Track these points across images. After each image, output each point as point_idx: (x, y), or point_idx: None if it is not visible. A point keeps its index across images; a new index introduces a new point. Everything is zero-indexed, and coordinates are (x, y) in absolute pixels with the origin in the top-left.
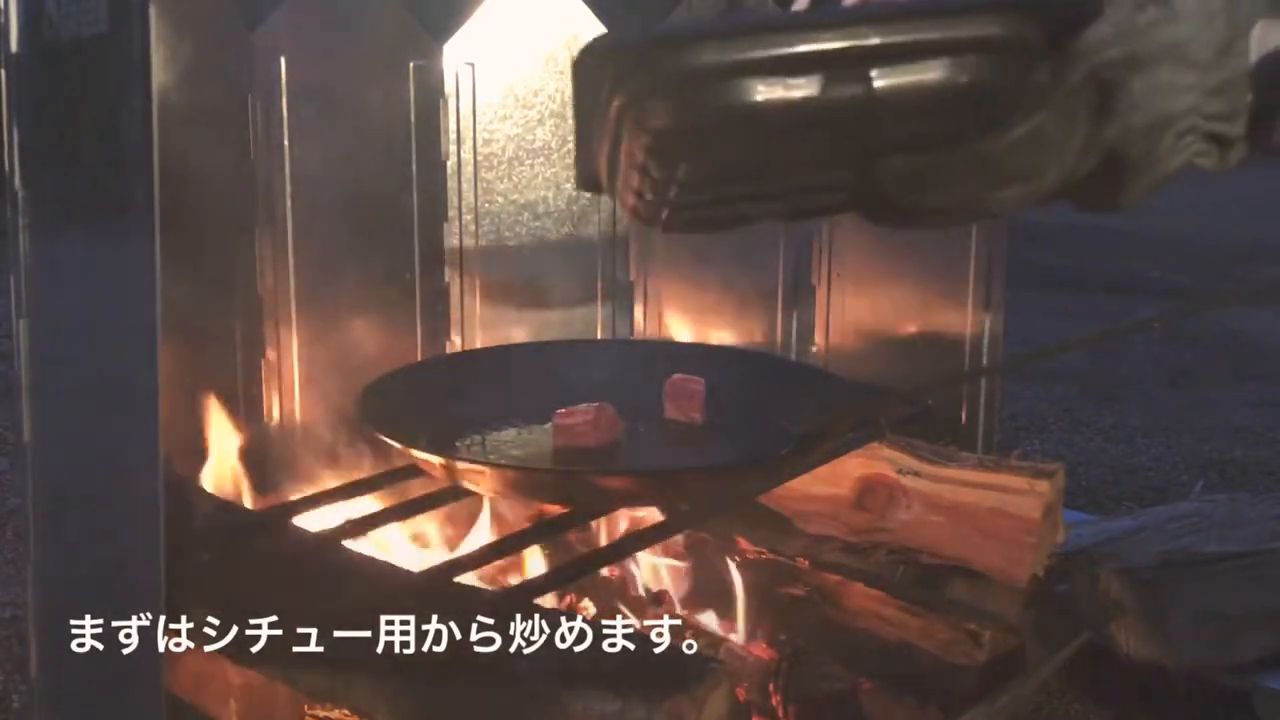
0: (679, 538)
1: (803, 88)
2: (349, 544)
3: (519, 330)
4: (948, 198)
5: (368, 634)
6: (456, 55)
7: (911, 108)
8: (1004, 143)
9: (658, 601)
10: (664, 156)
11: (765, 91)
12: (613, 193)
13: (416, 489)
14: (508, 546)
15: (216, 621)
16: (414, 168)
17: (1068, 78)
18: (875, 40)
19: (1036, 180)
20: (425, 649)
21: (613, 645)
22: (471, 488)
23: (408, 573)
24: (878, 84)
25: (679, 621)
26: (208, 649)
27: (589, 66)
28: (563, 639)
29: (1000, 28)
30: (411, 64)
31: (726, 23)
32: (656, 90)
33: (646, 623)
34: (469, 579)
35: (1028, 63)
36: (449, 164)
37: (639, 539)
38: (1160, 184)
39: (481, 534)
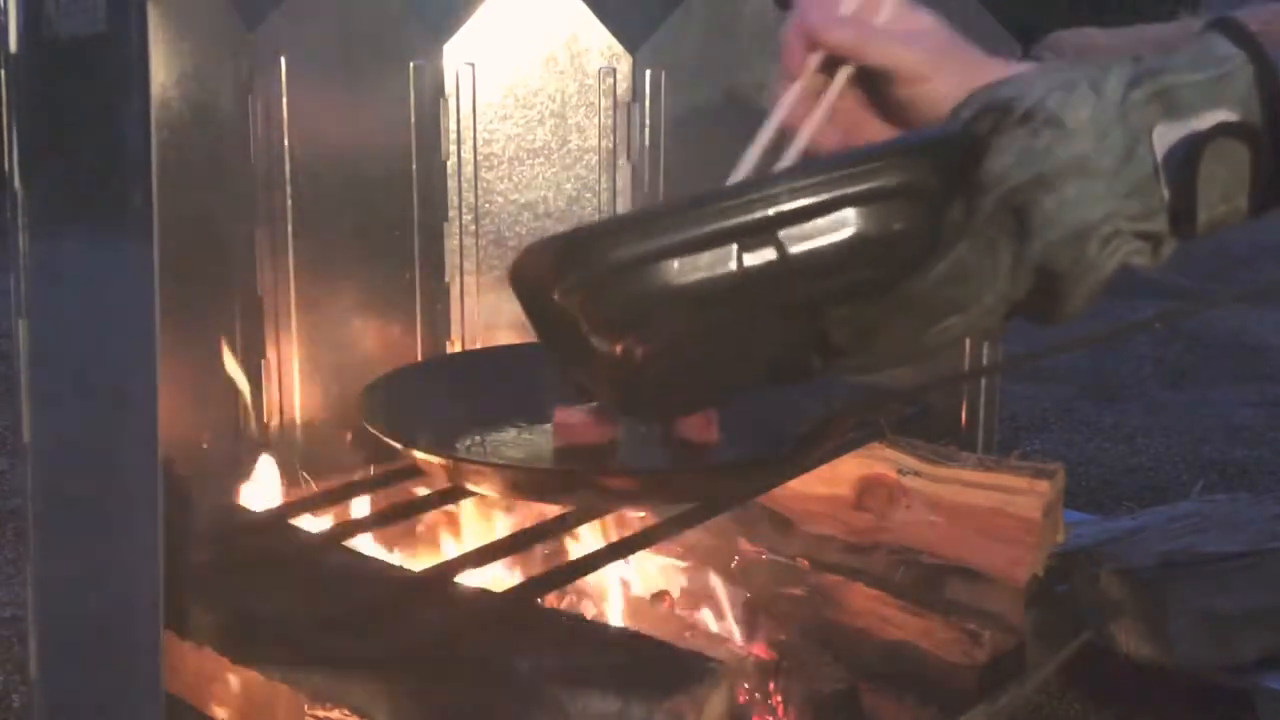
0: (679, 537)
1: (720, 262)
2: (349, 544)
3: (519, 330)
4: (892, 339)
5: (368, 634)
6: (456, 55)
7: (828, 264)
8: (929, 280)
9: (658, 601)
10: (605, 340)
11: (685, 272)
12: (592, 387)
13: (416, 489)
14: (508, 546)
15: (216, 621)
16: (414, 168)
17: (979, 209)
18: (775, 209)
19: (974, 308)
20: (425, 649)
21: (613, 645)
22: (472, 488)
23: (408, 573)
24: (790, 248)
25: (679, 621)
26: (208, 649)
27: (524, 275)
28: (563, 639)
29: (893, 178)
30: (411, 64)
31: (639, 214)
32: (587, 284)
33: (646, 623)
34: (469, 579)
35: (935, 203)
36: (449, 164)
37: (639, 539)
38: (1100, 288)
39: (481, 534)
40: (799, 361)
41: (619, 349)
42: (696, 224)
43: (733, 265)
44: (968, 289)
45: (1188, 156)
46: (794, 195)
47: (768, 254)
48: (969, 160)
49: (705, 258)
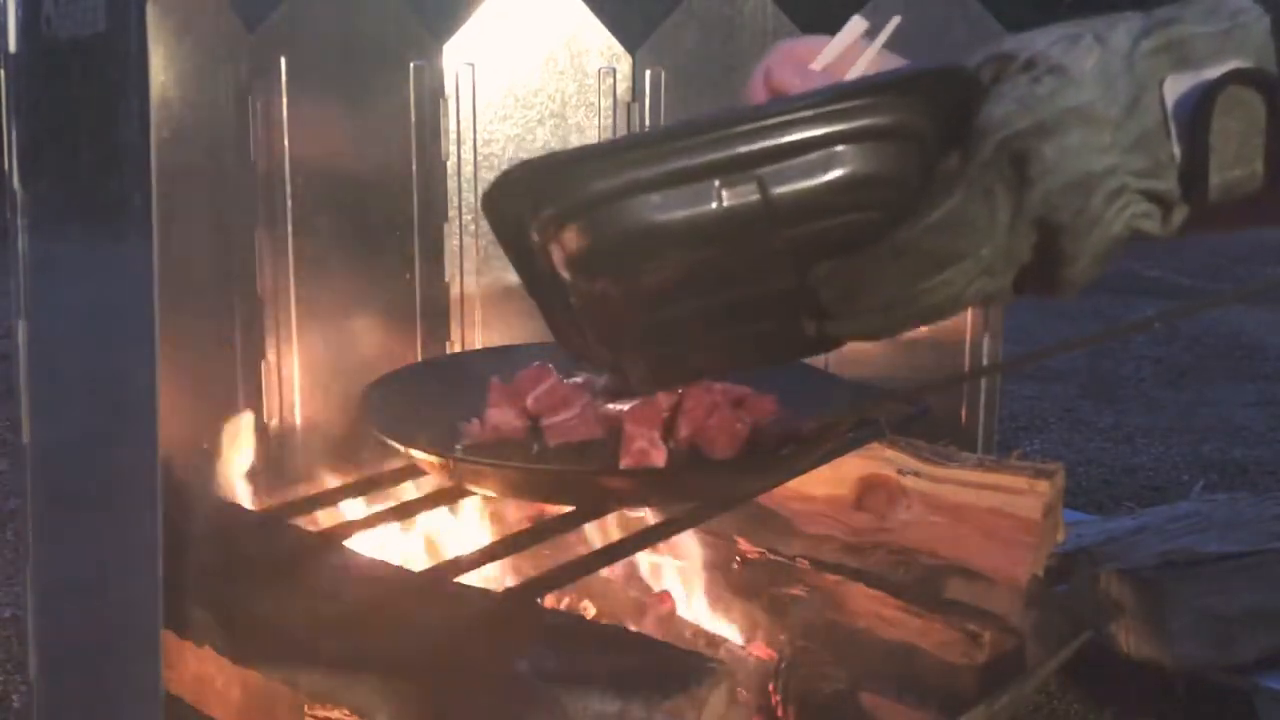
0: (679, 537)
1: (700, 199)
2: (349, 544)
3: (519, 330)
4: (883, 294)
5: (368, 634)
6: (456, 55)
7: (813, 205)
8: (922, 228)
9: (658, 601)
10: (585, 279)
11: (662, 208)
12: (568, 335)
13: (417, 489)
14: (508, 546)
15: (216, 621)
16: (414, 168)
17: (977, 156)
18: (758, 143)
19: (971, 262)
20: (425, 649)
21: (613, 645)
22: (472, 488)
23: (408, 573)
24: (772, 186)
25: (679, 621)
26: (208, 649)
27: (499, 206)
28: (563, 639)
29: (884, 116)
30: (411, 64)
31: (617, 143)
32: (563, 219)
33: (646, 623)
34: (469, 579)
35: (929, 146)
36: (449, 164)
37: (639, 539)
38: (1107, 252)
39: (481, 534)
40: (792, 328)
41: (598, 288)
42: (676, 156)
43: (713, 203)
44: (964, 240)
45: (1198, 105)
46: (778, 130)
47: (749, 192)
48: (968, 105)
49: (685, 193)
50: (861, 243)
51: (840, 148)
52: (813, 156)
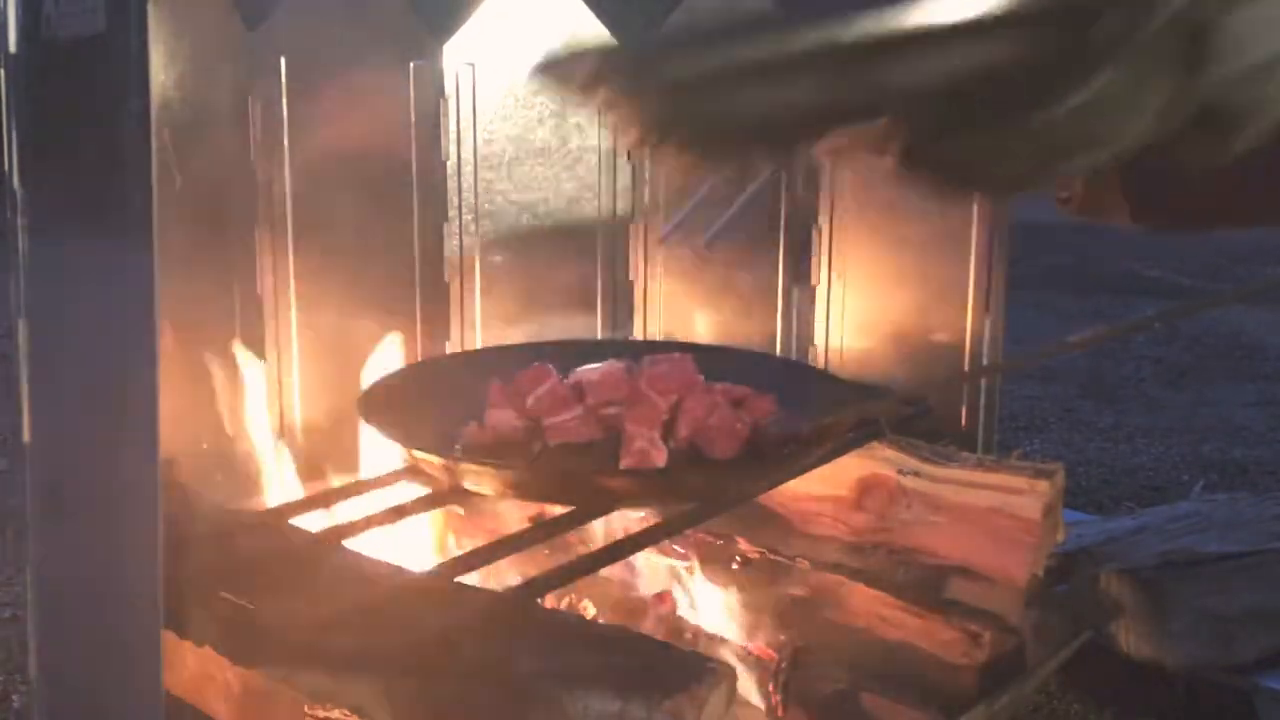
0: (679, 538)
1: (809, 91)
2: (349, 544)
3: (519, 330)
4: (1010, 169)
5: (368, 634)
6: (456, 55)
7: (936, 94)
8: (1062, 113)
9: (658, 601)
10: (660, 152)
11: (767, 99)
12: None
13: (416, 489)
14: (508, 546)
15: (216, 621)
16: (414, 168)
17: (1143, 25)
18: (884, 31)
19: (1113, 145)
20: (425, 649)
21: (613, 645)
22: (471, 488)
23: (408, 573)
24: (886, 76)
25: (679, 621)
26: (208, 649)
27: (557, 82)
28: (563, 639)
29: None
30: (411, 64)
31: (701, 30)
32: (637, 95)
33: (646, 623)
34: (469, 579)
35: (1082, 20)
36: (449, 164)
37: (639, 539)
38: (1269, 133)
39: (481, 534)
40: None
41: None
42: (788, 44)
43: (822, 96)
44: (1106, 124)
45: None
46: (908, 18)
47: (868, 84)
48: None
49: (796, 82)
50: (988, 123)
51: (978, 36)
52: (945, 46)
